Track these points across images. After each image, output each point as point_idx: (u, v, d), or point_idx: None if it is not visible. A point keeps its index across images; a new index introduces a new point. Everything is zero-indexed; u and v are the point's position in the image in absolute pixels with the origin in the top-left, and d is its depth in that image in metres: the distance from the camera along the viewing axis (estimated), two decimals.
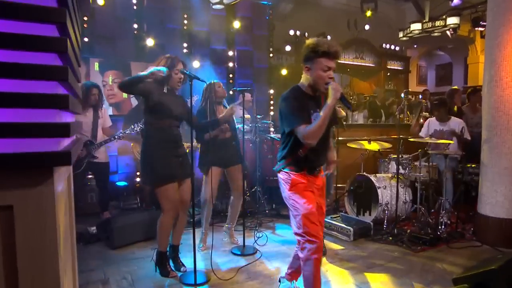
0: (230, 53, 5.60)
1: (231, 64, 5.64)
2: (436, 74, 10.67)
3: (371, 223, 3.60)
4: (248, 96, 4.99)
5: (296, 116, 1.82)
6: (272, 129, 4.61)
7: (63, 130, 0.90)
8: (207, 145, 3.06)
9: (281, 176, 2.01)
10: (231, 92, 4.64)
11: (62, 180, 1.08)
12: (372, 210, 3.83)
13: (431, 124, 4.24)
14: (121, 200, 4.52)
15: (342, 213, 3.94)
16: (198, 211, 3.66)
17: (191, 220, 2.57)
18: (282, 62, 6.45)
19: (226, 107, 3.16)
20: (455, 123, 4.09)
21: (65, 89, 1.03)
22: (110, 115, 4.80)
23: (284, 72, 6.03)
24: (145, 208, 4.17)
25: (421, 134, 4.26)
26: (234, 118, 3.22)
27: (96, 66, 4.72)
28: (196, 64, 5.24)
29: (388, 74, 8.32)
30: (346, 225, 3.52)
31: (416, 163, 3.79)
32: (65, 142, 1.10)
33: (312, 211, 1.89)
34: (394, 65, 8.39)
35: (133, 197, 4.70)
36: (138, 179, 4.73)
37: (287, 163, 1.97)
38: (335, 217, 3.85)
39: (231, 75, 5.66)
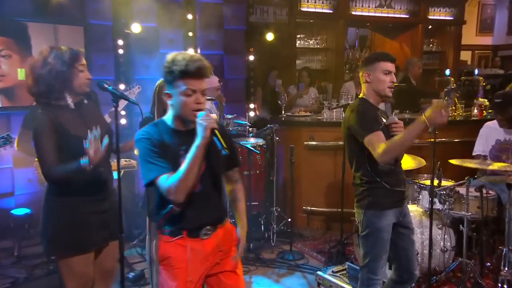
0: (188, 7, 5.49)
1: (190, 25, 5.49)
2: (509, 16, 10.00)
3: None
4: (215, 80, 4.81)
5: (154, 161, 1.96)
6: (250, 134, 4.55)
7: None
8: None
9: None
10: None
11: None
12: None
13: (491, 130, 4.10)
14: (20, 239, 4.29)
15: (350, 264, 3.78)
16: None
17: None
18: (268, 18, 6.31)
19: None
20: None
21: None
22: None
23: (270, 36, 5.87)
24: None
25: (475, 150, 4.10)
26: None
27: None
28: (135, 27, 5.04)
29: (430, 27, 8.14)
30: (354, 285, 3.38)
31: (461, 191, 3.63)
32: None
33: None
34: (439, 14, 8.15)
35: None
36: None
37: (159, 225, 2.13)
38: (338, 271, 3.73)
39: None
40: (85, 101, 2.46)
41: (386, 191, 2.61)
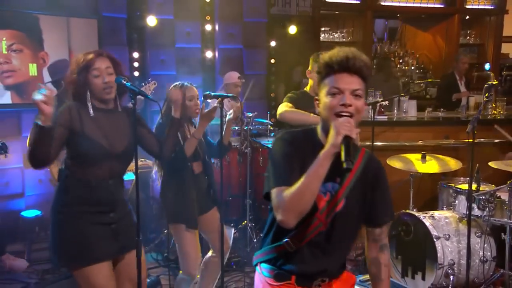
0: None
1: (207, 18, 5.56)
2: None
3: None
4: (234, 76, 4.83)
5: (283, 170, 1.69)
6: (272, 133, 4.59)
7: None
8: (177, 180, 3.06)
9: (255, 277, 1.94)
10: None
11: None
12: (427, 272, 3.67)
13: None
14: (30, 242, 4.36)
15: None
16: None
17: None
18: (290, 10, 6.31)
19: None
20: None
21: None
22: (7, 104, 4.63)
23: (293, 29, 5.87)
24: None
25: None
26: (205, 133, 3.24)
27: None
28: (151, 20, 5.12)
29: (467, 18, 8.06)
30: None
31: (503, 196, 3.56)
32: None
33: None
34: (478, 2, 7.95)
35: None
36: None
37: (265, 257, 1.87)
38: (366, 280, 3.69)
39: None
40: (119, 109, 2.52)
41: None
